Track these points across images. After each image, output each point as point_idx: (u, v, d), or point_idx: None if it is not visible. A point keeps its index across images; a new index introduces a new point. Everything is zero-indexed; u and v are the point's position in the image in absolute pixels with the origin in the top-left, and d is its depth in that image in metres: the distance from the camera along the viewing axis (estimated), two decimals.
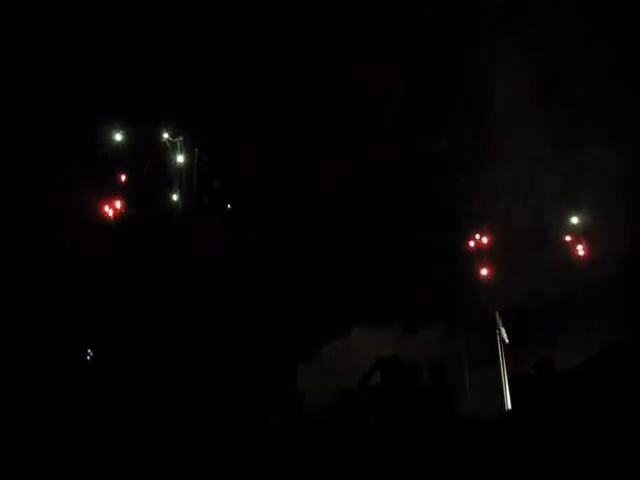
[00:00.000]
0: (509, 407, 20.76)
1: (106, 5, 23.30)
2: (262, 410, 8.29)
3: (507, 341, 24.96)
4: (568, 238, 26.99)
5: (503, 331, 24.92)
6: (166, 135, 26.14)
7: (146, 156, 25.70)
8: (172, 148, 26.25)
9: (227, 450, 7.83)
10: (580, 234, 26.78)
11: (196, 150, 26.52)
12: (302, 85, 26.09)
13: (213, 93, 25.27)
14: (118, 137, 25.13)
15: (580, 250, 26.80)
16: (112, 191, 25.21)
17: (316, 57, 25.84)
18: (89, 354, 22.70)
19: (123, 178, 25.36)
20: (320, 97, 26.25)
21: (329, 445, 7.88)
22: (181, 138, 26.25)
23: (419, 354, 19.37)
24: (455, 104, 26.05)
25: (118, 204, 25.15)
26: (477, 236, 27.50)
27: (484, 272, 27.21)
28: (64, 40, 22.46)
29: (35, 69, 22.12)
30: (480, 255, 27.33)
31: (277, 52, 25.15)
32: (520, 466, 7.51)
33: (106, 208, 24.94)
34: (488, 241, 27.38)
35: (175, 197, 26.39)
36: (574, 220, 26.88)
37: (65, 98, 22.85)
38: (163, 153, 26.20)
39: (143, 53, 23.95)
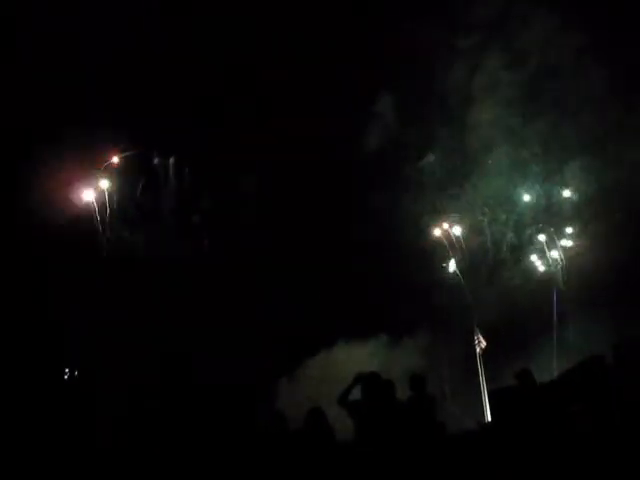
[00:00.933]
0: (489, 419, 20.63)
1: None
2: (246, 427, 8.10)
3: (482, 348, 24.91)
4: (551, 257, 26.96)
5: (481, 341, 24.88)
6: (156, 158, 25.90)
7: (138, 177, 25.42)
8: (163, 169, 26.04)
9: (214, 462, 7.65)
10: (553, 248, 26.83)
11: (186, 170, 26.30)
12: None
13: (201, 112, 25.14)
14: (114, 159, 24.67)
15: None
16: (103, 210, 24.85)
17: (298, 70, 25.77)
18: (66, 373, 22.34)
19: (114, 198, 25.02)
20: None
21: (311, 460, 7.67)
22: (172, 160, 26.02)
23: (402, 366, 19.29)
24: (439, 117, 26.15)
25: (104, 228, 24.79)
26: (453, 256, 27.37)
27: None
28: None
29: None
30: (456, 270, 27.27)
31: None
32: (503, 476, 7.37)
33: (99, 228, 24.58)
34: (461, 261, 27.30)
35: (166, 216, 26.14)
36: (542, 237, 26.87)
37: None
38: (154, 174, 25.96)
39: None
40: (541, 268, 26.66)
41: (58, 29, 22.56)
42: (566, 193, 25.99)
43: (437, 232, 26.70)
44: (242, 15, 25.48)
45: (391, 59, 25.40)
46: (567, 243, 26.38)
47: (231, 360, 22.24)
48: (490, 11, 25.07)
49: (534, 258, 26.75)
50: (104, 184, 24.24)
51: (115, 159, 24.39)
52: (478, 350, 25.00)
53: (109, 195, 24.59)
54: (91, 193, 24.00)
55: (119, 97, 23.51)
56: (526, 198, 26.45)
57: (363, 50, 25.57)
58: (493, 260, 26.78)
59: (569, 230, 26.30)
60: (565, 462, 6.87)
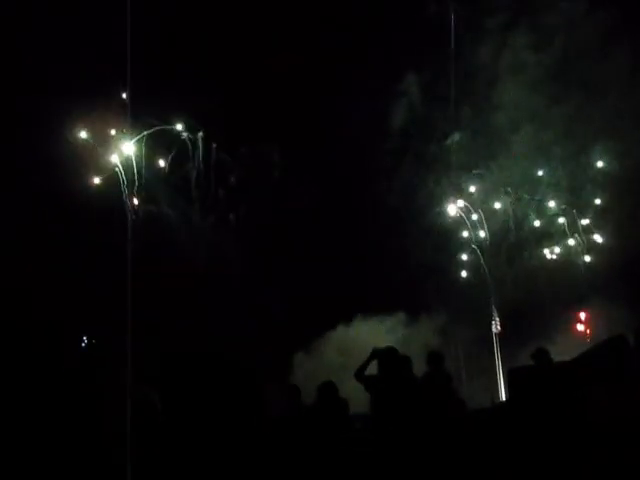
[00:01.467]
0: (504, 398, 20.54)
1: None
2: (256, 405, 8.07)
3: (498, 329, 24.84)
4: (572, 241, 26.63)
5: (497, 321, 24.80)
6: (184, 132, 25.72)
7: (165, 152, 25.29)
8: (191, 144, 25.88)
9: (226, 445, 7.64)
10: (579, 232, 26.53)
11: (214, 146, 26.16)
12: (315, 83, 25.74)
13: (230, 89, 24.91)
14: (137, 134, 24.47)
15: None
16: (131, 186, 24.77)
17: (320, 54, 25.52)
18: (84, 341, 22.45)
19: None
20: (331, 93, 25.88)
21: (326, 436, 7.63)
22: (200, 134, 25.86)
23: (419, 344, 19.25)
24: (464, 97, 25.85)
25: (136, 201, 24.68)
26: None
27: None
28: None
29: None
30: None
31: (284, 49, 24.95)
32: (519, 455, 7.29)
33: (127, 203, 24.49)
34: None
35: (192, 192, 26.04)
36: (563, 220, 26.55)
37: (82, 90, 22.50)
38: (182, 149, 25.82)
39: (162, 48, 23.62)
40: (562, 250, 26.41)
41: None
42: (590, 175, 25.63)
43: (458, 211, 26.54)
44: None
45: (417, 39, 25.11)
46: (590, 225, 26.09)
47: (246, 333, 22.32)
48: None
49: (556, 240, 26.52)
50: (129, 148, 24.10)
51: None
52: (494, 329, 24.93)
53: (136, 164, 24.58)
54: (116, 157, 23.94)
55: (148, 71, 23.43)
56: (550, 179, 26.15)
57: (389, 30, 25.30)
58: (514, 241, 26.55)
59: (592, 213, 26.00)
60: (581, 442, 6.78)
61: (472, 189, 26.70)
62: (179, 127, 25.26)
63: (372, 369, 7.84)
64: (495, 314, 25.14)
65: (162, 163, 25.04)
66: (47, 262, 21.27)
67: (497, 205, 26.60)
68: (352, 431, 7.69)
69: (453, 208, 26.42)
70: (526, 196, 26.35)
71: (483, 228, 26.85)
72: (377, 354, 7.77)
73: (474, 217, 26.64)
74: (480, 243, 26.75)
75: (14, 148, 21.91)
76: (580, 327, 25.45)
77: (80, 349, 22.05)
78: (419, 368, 8.50)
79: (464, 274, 26.72)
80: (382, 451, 7.25)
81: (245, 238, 25.19)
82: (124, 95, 21.46)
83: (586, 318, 25.30)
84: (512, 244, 26.52)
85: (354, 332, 25.18)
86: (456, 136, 26.70)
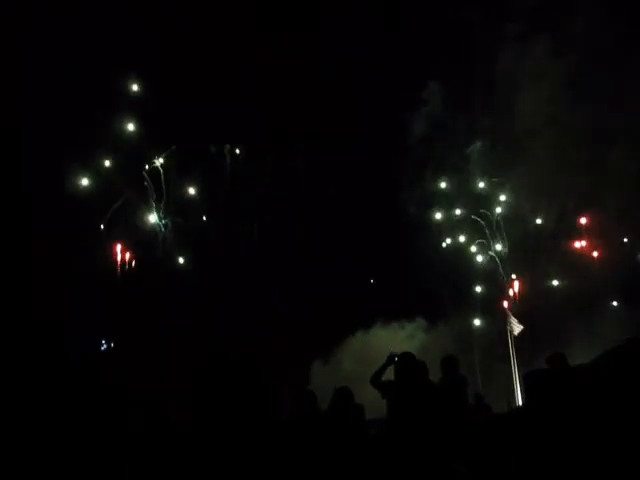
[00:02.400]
0: (520, 402, 20.34)
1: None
2: (267, 408, 7.97)
3: (516, 333, 24.66)
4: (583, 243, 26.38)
5: (514, 323, 24.63)
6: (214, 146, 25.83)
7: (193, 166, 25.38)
8: (219, 156, 25.97)
9: (235, 447, 7.55)
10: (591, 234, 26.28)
11: (240, 157, 26.24)
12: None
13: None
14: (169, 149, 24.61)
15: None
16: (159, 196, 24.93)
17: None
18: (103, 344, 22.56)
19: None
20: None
21: (337, 440, 7.53)
22: (228, 146, 25.96)
23: (437, 349, 19.12)
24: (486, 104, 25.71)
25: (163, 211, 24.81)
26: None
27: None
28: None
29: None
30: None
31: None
32: (535, 460, 7.17)
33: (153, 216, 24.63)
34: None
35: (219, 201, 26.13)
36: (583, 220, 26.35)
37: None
38: (210, 162, 25.89)
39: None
40: (579, 254, 26.19)
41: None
42: (609, 181, 25.33)
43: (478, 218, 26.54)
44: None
45: (439, 46, 25.06)
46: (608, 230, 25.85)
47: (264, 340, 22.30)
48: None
49: (575, 245, 26.33)
50: (159, 162, 24.29)
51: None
52: (511, 329, 24.77)
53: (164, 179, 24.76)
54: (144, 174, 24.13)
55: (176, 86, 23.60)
56: (569, 185, 25.90)
57: (411, 38, 25.21)
58: (533, 246, 26.37)
59: (609, 217, 25.71)
60: (599, 447, 6.66)
61: (492, 196, 26.64)
62: (211, 145, 25.46)
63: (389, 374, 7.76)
64: (511, 320, 24.98)
65: (190, 175, 25.29)
66: (76, 268, 21.46)
67: (517, 211, 26.51)
68: (365, 436, 7.58)
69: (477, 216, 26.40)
70: (545, 202, 26.17)
71: (502, 234, 26.78)
72: (393, 359, 7.67)
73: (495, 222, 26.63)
74: (498, 250, 26.68)
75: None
76: None
77: (99, 351, 22.18)
78: (437, 374, 8.41)
79: (481, 281, 26.64)
80: (397, 457, 7.16)
81: (267, 245, 25.27)
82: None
83: None
84: (530, 250, 26.37)
85: (373, 338, 25.09)
86: (477, 144, 26.61)
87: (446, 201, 27.06)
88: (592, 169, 24.68)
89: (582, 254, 26.31)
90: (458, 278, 26.36)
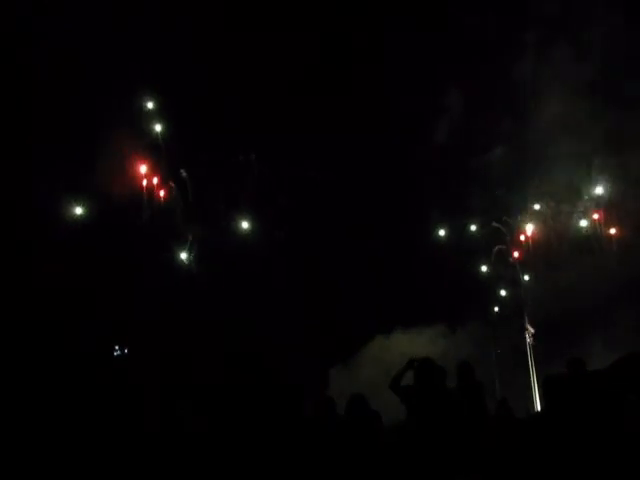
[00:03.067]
0: (538, 408, 20.18)
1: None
2: (293, 409, 7.96)
3: (532, 342, 24.48)
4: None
5: (531, 332, 24.45)
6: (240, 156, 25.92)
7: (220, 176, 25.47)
8: (244, 166, 26.05)
9: (258, 446, 7.55)
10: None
11: (263, 168, 26.30)
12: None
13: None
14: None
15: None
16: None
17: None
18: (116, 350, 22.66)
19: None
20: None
21: (351, 447, 7.48)
22: (253, 156, 26.04)
23: (456, 355, 19.04)
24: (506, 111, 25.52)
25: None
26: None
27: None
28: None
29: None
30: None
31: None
32: (554, 467, 7.09)
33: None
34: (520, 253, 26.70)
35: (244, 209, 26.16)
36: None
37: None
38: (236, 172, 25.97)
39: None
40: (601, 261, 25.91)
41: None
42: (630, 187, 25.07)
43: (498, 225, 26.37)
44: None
45: (460, 53, 24.97)
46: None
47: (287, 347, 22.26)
48: (555, 6, 24.37)
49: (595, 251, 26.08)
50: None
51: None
52: (529, 340, 24.57)
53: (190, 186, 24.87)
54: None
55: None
56: (590, 191, 25.68)
57: (432, 45, 25.10)
58: (554, 253, 26.15)
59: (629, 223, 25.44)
60: (617, 453, 6.58)
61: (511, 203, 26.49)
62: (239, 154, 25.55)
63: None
64: (529, 326, 24.81)
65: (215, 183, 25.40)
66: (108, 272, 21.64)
67: (536, 218, 26.32)
68: (379, 443, 7.51)
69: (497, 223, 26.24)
70: (566, 208, 25.96)
71: (523, 241, 26.62)
72: (413, 364, 7.62)
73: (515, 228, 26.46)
74: (521, 256, 26.51)
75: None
76: None
77: (112, 357, 22.31)
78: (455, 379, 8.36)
79: (502, 288, 26.48)
80: (413, 463, 7.11)
81: (291, 252, 25.28)
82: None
83: None
84: (552, 256, 26.15)
85: (392, 343, 25.00)
86: (497, 150, 26.44)
87: (467, 208, 26.85)
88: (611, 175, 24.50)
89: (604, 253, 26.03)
90: (478, 285, 26.21)
